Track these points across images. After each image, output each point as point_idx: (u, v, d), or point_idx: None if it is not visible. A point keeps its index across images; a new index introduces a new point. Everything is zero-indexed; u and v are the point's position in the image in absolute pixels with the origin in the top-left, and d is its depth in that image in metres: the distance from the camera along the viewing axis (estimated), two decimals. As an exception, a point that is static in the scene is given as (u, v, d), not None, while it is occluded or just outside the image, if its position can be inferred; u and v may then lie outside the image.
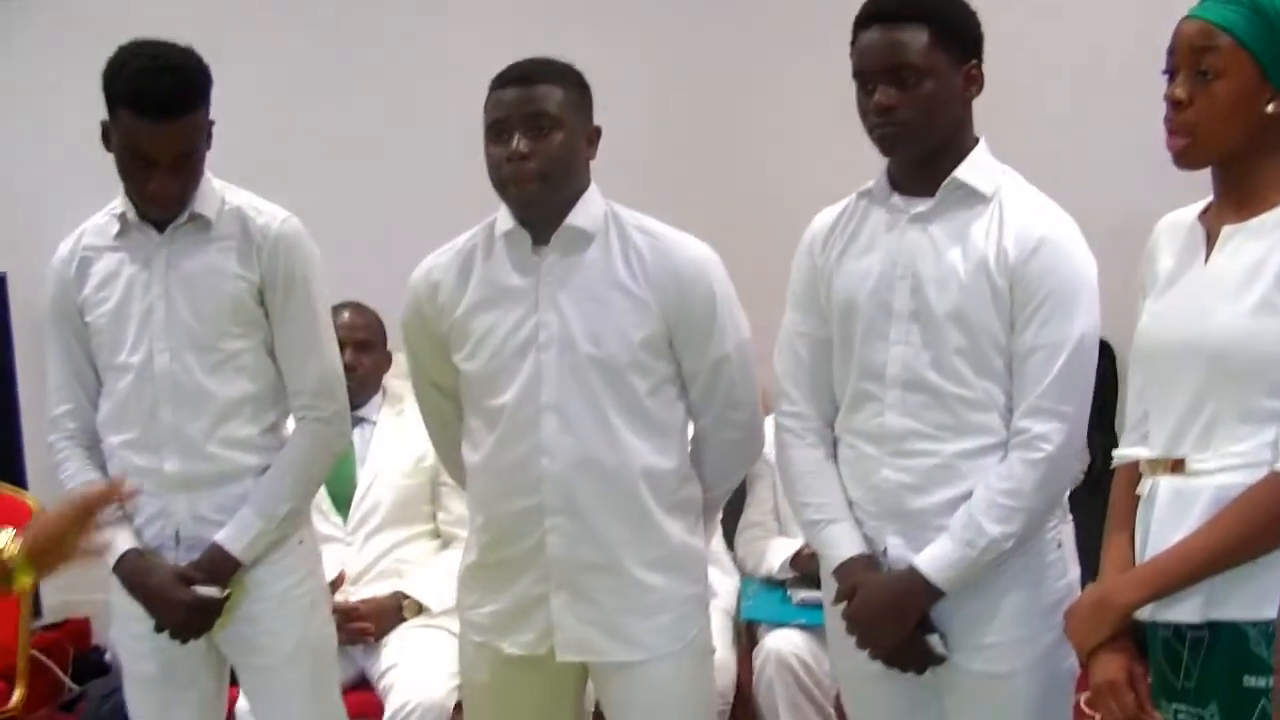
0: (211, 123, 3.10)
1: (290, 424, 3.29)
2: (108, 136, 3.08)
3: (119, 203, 3.19)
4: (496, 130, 2.93)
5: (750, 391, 3.10)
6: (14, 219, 5.73)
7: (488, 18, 5.42)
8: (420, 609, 4.15)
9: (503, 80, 2.97)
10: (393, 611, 4.13)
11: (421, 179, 5.36)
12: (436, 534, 4.36)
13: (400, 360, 4.56)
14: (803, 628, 3.98)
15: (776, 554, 4.21)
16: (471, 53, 5.18)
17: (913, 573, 2.76)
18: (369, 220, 4.85)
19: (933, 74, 2.72)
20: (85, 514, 2.55)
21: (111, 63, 3.06)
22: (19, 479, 5.40)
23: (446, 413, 3.19)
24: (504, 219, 3.01)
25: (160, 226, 3.16)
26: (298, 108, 5.19)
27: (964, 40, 2.77)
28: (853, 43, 2.80)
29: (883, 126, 2.75)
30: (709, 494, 3.14)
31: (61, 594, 5.43)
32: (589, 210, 3.00)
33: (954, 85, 2.75)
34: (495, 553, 3.06)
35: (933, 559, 2.75)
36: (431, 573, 4.21)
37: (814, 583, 3.94)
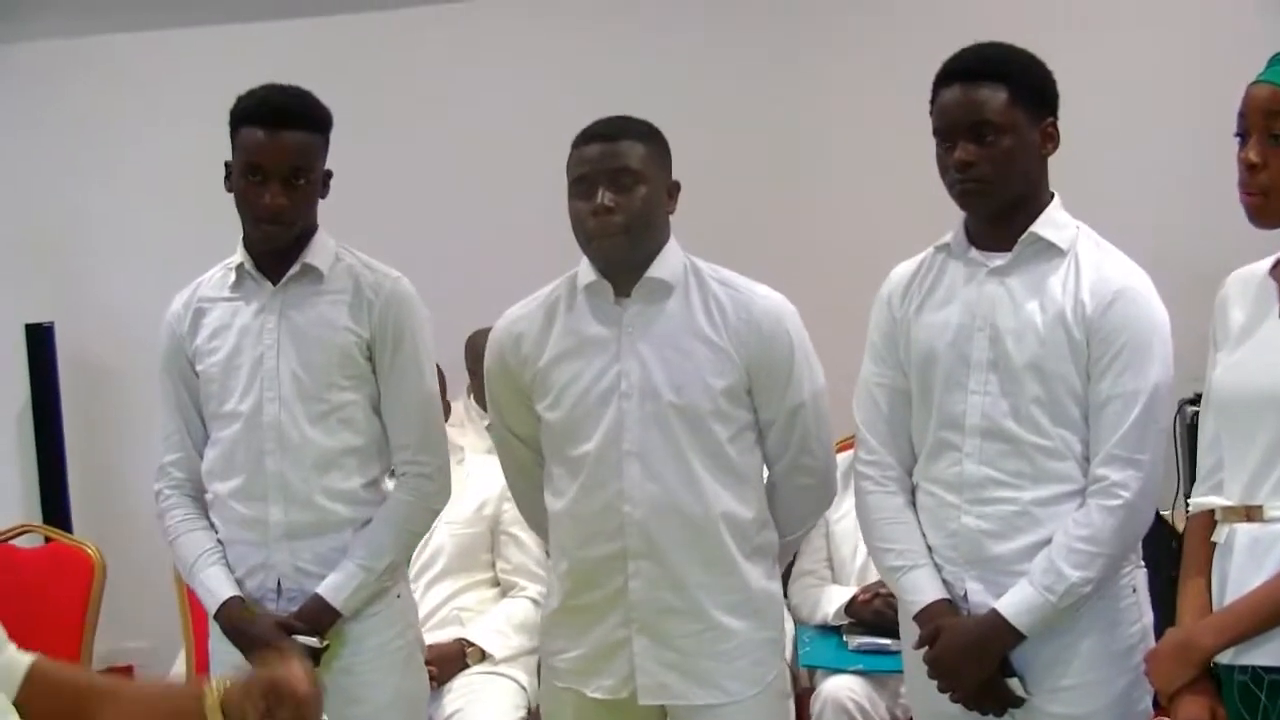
0: (329, 173, 3.23)
1: (388, 484, 3.36)
2: (229, 176, 3.20)
3: (236, 255, 3.29)
4: (581, 185, 3.01)
5: (824, 439, 3.18)
6: (62, 272, 5.87)
7: (542, 72, 5.57)
8: (483, 656, 4.23)
9: (586, 137, 3.06)
10: (456, 658, 4.20)
11: (482, 231, 5.49)
12: (495, 582, 4.43)
13: (458, 409, 4.69)
14: (860, 673, 4.06)
15: (831, 601, 4.30)
16: (531, 106, 5.43)
17: (995, 616, 2.84)
18: (427, 272, 4.94)
19: (1011, 130, 2.83)
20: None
21: (238, 99, 3.21)
22: (65, 525, 5.49)
23: (526, 460, 3.25)
24: (586, 271, 3.10)
25: (275, 279, 3.25)
26: (357, 159, 5.25)
27: (1041, 98, 2.88)
28: (932, 100, 2.91)
29: (962, 182, 2.86)
30: (783, 539, 3.21)
31: (107, 642, 5.50)
32: (669, 262, 3.08)
33: (1031, 142, 2.86)
34: (578, 598, 3.12)
35: (1014, 603, 2.83)
36: (493, 620, 4.30)
37: (869, 629, 4.09)
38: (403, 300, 3.28)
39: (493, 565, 4.43)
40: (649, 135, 3.08)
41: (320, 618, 3.21)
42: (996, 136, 2.83)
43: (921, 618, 2.94)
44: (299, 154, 3.15)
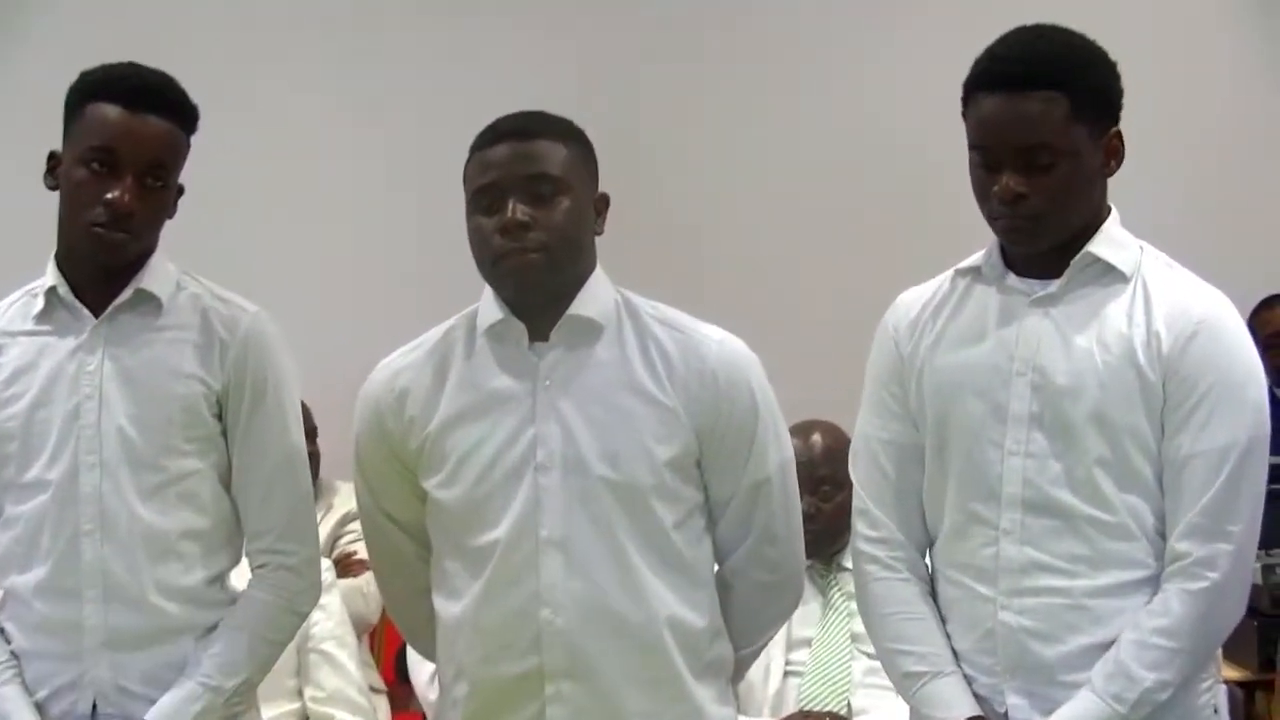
0: (181, 188, 2.81)
1: (235, 579, 2.90)
2: (54, 169, 2.76)
3: (47, 276, 2.80)
4: (486, 197, 2.62)
5: (792, 523, 2.80)
6: None
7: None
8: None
9: (492, 136, 2.65)
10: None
11: (351, 258, 5.27)
12: (304, 716, 3.92)
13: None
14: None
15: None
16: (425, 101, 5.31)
17: None
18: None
19: (1071, 154, 2.45)
20: None
21: (84, 73, 2.79)
22: None
23: (407, 553, 2.82)
24: (489, 309, 2.68)
25: (97, 310, 2.77)
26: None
27: (1106, 105, 2.51)
28: (965, 102, 2.51)
29: (1010, 218, 2.49)
30: (738, 653, 2.80)
31: None
32: (597, 296, 2.69)
33: (1094, 164, 2.49)
34: None
35: (1073, 718, 2.47)
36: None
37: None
38: (264, 341, 2.83)
39: (299, 694, 3.92)
40: (571, 135, 2.70)
41: None
42: (1053, 161, 2.45)
43: None
44: (163, 146, 2.74)
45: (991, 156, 2.47)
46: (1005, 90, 2.44)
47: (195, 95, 2.78)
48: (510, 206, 2.57)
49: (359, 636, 4.29)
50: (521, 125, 2.65)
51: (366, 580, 4.51)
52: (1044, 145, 2.44)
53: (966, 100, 2.50)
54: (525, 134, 2.63)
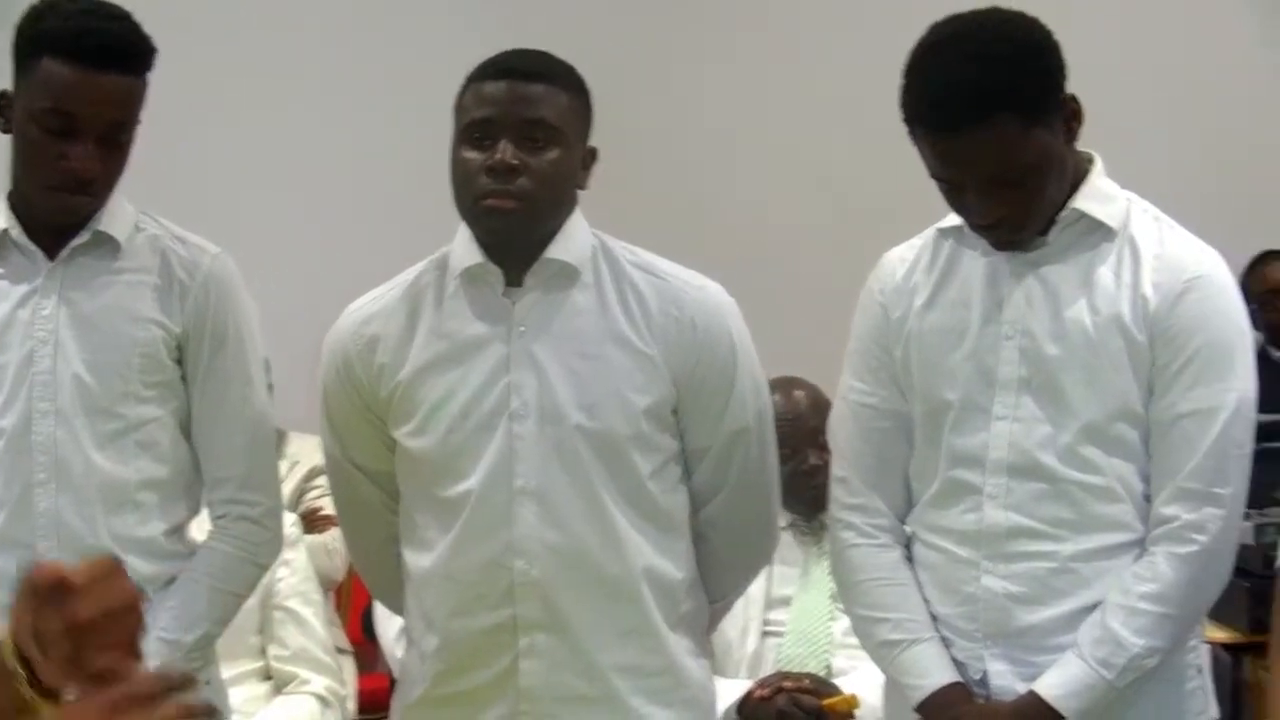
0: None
1: (195, 531, 2.91)
2: (6, 110, 2.71)
3: None
4: (478, 131, 2.64)
5: (769, 474, 2.87)
6: None
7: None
8: (259, 784, 3.73)
9: (494, 70, 2.68)
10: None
11: (317, 199, 5.22)
12: (266, 674, 3.93)
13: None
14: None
15: (718, 698, 3.85)
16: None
17: (1034, 701, 2.53)
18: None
19: (1041, 157, 2.48)
20: None
21: (32, 11, 2.71)
22: None
23: (374, 504, 2.86)
24: (465, 251, 2.72)
25: (51, 251, 2.76)
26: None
27: (1052, 89, 2.52)
28: (909, 129, 2.52)
29: (995, 231, 2.54)
30: (712, 604, 2.89)
31: None
32: (573, 241, 2.73)
33: (1059, 148, 2.52)
34: (452, 683, 2.74)
35: (1059, 683, 2.53)
36: (266, 730, 3.82)
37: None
38: (226, 283, 2.84)
39: (263, 651, 3.93)
40: (574, 84, 2.74)
41: None
42: (1025, 174, 2.48)
43: (931, 706, 2.62)
44: (124, 105, 2.70)
45: (957, 185, 2.50)
46: (951, 130, 2.45)
47: (162, 29, 2.74)
48: (501, 146, 2.60)
49: (324, 594, 4.30)
50: (526, 65, 2.69)
51: (332, 536, 4.54)
52: (1020, 167, 2.45)
53: (909, 129, 2.51)
54: (529, 75, 2.66)
